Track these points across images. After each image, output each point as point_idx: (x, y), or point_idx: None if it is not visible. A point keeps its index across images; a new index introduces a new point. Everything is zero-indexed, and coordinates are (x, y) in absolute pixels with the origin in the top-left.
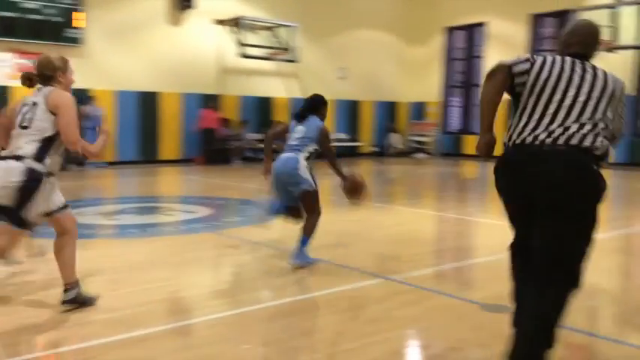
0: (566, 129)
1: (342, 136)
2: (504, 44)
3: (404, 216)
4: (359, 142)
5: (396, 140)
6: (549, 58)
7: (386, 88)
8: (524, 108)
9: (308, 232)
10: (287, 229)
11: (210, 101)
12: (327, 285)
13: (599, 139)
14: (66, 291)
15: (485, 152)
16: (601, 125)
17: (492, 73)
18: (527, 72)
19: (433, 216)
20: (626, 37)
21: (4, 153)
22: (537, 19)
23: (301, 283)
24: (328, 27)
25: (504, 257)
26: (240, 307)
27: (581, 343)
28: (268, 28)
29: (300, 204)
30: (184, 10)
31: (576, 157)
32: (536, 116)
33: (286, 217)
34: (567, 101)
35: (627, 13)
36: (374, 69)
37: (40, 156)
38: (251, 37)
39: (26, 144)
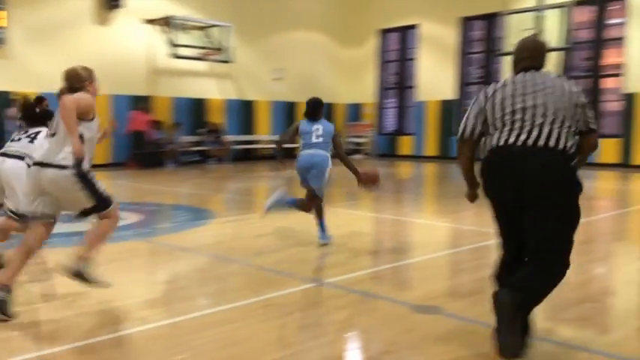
0: (541, 129)
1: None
2: (436, 46)
3: (342, 218)
4: (297, 144)
5: None
6: (501, 81)
7: (322, 90)
8: (498, 122)
9: (318, 215)
10: (219, 236)
11: (140, 103)
12: (262, 291)
13: (570, 137)
14: None
15: (471, 202)
16: (568, 122)
17: (460, 150)
18: (484, 108)
19: (370, 217)
20: (551, 39)
21: (37, 157)
22: (467, 22)
23: (235, 290)
24: (262, 27)
25: (437, 256)
26: (173, 317)
27: None
28: (200, 28)
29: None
30: (112, 10)
31: (554, 157)
32: (514, 122)
33: (296, 209)
34: (539, 106)
35: (551, 16)
36: (310, 70)
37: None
38: (183, 37)
39: (57, 148)
